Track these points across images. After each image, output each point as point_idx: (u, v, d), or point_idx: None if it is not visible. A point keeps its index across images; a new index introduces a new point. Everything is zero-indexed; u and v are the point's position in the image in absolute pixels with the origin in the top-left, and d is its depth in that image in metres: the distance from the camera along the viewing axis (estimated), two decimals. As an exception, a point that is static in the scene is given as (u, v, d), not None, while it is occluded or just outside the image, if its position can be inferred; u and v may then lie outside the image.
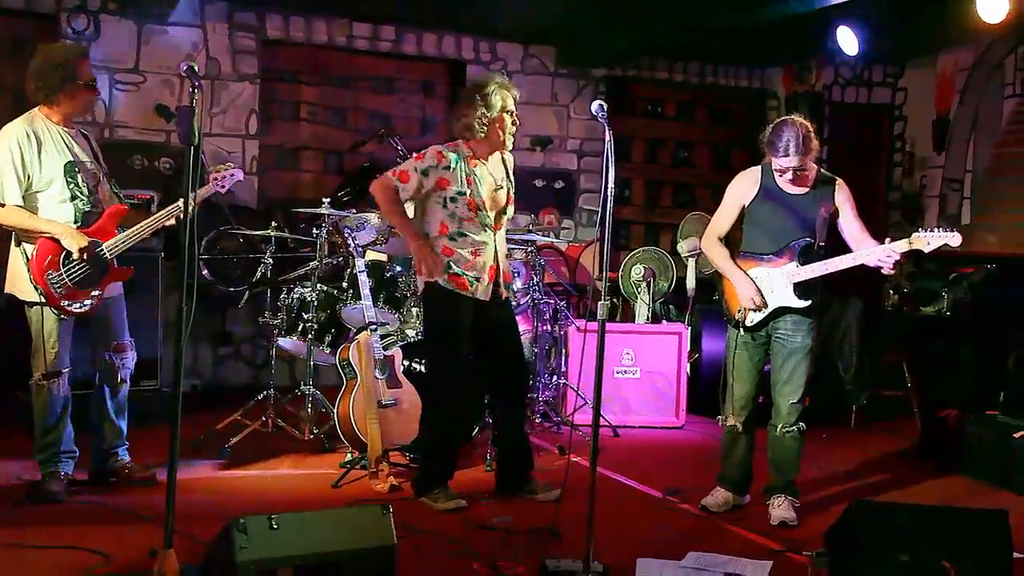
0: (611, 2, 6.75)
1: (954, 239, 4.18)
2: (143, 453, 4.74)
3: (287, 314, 5.53)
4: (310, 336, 5.44)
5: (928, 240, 4.20)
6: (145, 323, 5.62)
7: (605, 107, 3.67)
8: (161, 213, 4.48)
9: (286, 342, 5.63)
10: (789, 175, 4.35)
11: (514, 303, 5.61)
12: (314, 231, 5.70)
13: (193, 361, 7.10)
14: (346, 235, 5.25)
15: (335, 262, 5.79)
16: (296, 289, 5.57)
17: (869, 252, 4.28)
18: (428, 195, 4.43)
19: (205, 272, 5.90)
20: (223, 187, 4.65)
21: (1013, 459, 5.23)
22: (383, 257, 5.88)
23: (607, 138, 3.59)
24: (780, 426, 4.50)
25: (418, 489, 4.54)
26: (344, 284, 5.59)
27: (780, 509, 4.47)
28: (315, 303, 5.44)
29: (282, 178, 7.62)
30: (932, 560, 3.35)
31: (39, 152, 4.25)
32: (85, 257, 4.24)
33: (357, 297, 5.28)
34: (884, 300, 7.38)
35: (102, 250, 4.34)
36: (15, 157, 4.20)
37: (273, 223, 5.74)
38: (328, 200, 5.65)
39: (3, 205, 4.21)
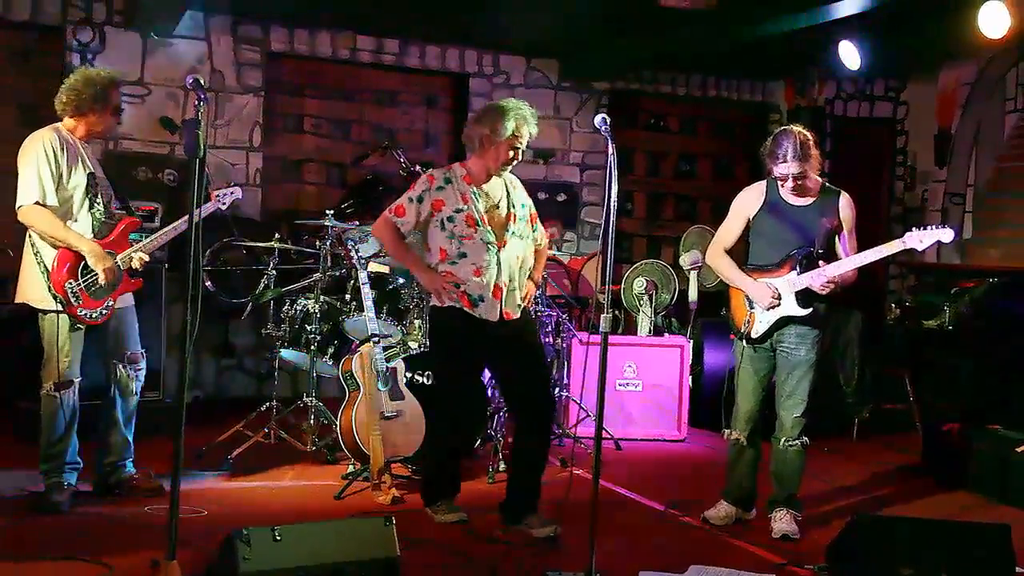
0: (614, 15, 6.78)
1: (946, 235, 4.19)
2: (146, 464, 4.75)
3: (290, 326, 5.54)
4: (313, 348, 5.45)
5: (921, 238, 4.22)
6: (148, 334, 5.62)
7: (609, 120, 3.68)
8: (167, 228, 4.60)
9: (289, 354, 5.64)
10: (790, 183, 4.36)
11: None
12: (317, 243, 5.72)
13: (196, 372, 7.11)
14: (349, 247, 5.27)
15: (338, 274, 5.80)
16: (299, 301, 5.57)
17: (863, 255, 4.29)
18: (427, 221, 4.40)
19: (208, 284, 5.91)
20: (224, 204, 4.90)
21: (1015, 474, 5.22)
22: (386, 269, 5.89)
23: (611, 151, 3.60)
24: (783, 439, 4.50)
25: (424, 498, 4.57)
26: (347, 296, 5.60)
27: (782, 522, 4.46)
28: (318, 315, 5.45)
29: (285, 190, 7.65)
30: (934, 575, 3.35)
31: (68, 159, 4.36)
32: (109, 279, 4.34)
33: (360, 309, 5.28)
34: (886, 313, 7.40)
35: (116, 262, 4.43)
36: (50, 158, 4.30)
37: (276, 235, 5.75)
38: (331, 212, 5.67)
39: (38, 203, 4.28)
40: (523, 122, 4.35)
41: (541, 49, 7.98)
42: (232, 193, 4.94)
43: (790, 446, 4.49)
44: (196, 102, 3.33)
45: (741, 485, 4.64)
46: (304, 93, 7.65)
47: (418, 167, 6.11)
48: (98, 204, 4.45)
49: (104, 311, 4.42)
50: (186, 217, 4.43)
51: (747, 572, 3.93)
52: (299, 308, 5.54)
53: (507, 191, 4.52)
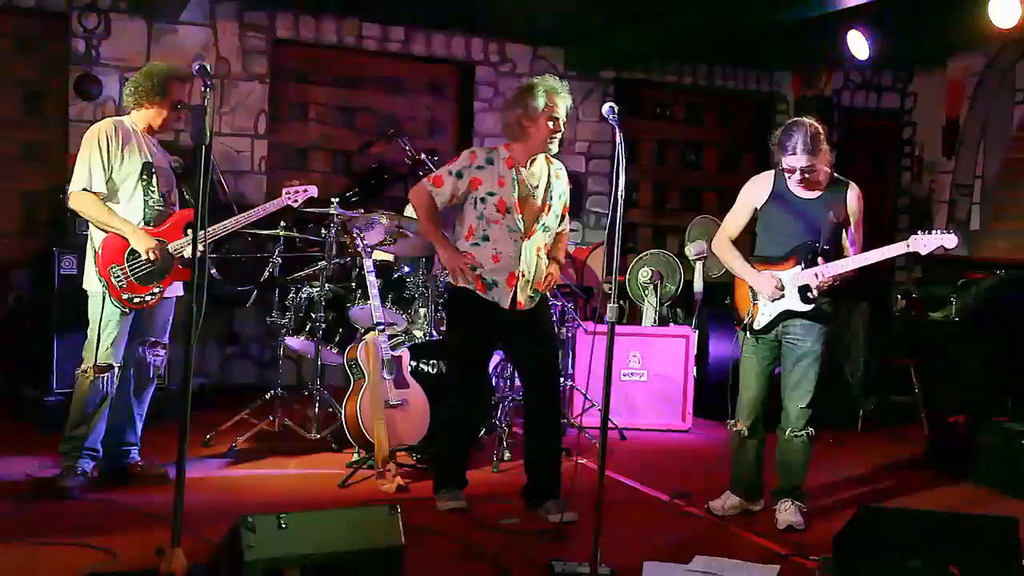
0: (620, 4, 6.75)
1: (950, 240, 4.17)
2: (150, 451, 4.75)
3: (295, 314, 5.53)
4: (318, 336, 5.44)
5: (925, 242, 4.20)
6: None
7: (616, 109, 3.66)
8: (228, 221, 4.65)
9: (294, 342, 5.64)
10: (797, 176, 4.33)
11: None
12: (322, 231, 5.71)
13: (200, 360, 7.10)
14: (355, 235, 5.26)
15: (343, 262, 5.79)
16: (304, 289, 5.57)
17: (866, 256, 4.27)
18: (465, 196, 4.41)
19: (213, 271, 5.90)
20: (295, 201, 5.00)
21: (1021, 466, 5.21)
22: (391, 257, 5.88)
23: (618, 140, 3.58)
24: (788, 430, 4.49)
25: (433, 484, 4.60)
26: (352, 284, 5.60)
27: (787, 513, 4.46)
28: (323, 303, 5.44)
29: (291, 178, 7.59)
30: (940, 567, 3.34)
31: (122, 148, 4.43)
32: (152, 257, 4.38)
33: (365, 297, 5.28)
34: (892, 305, 7.37)
35: (167, 249, 4.47)
36: (102, 147, 4.39)
37: (282, 223, 5.74)
38: (337, 200, 5.65)
39: (85, 190, 4.37)
40: (553, 92, 4.36)
41: (547, 37, 7.95)
42: (306, 191, 5.02)
43: (795, 437, 4.48)
44: (202, 89, 3.33)
45: (746, 476, 4.63)
46: (309, 80, 7.63)
47: (423, 155, 6.09)
48: (153, 192, 4.50)
49: (151, 297, 4.46)
50: (245, 214, 4.67)
51: (752, 563, 3.92)
52: (304, 296, 5.54)
53: (550, 180, 4.51)
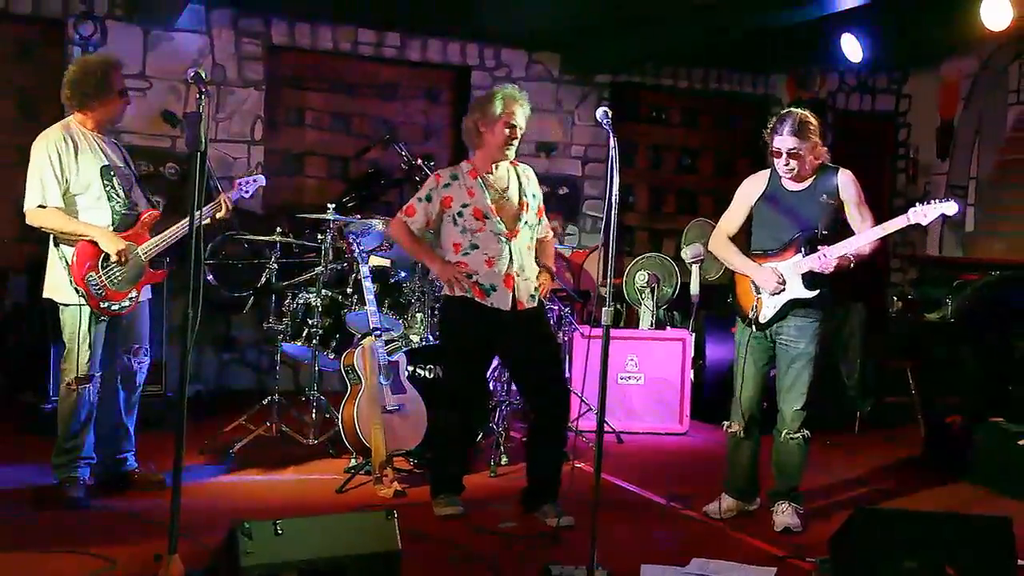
0: (616, 9, 6.76)
1: (949, 207, 4.18)
2: (147, 458, 4.76)
3: (292, 319, 5.54)
4: (315, 341, 5.45)
5: (925, 212, 4.22)
6: (150, 328, 5.62)
7: (610, 113, 3.69)
8: (183, 222, 4.53)
9: (290, 347, 5.64)
10: (783, 159, 4.34)
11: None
12: (319, 236, 5.72)
13: (197, 366, 7.10)
14: (351, 240, 5.27)
15: (340, 267, 5.80)
16: (301, 294, 5.58)
17: (866, 234, 4.29)
18: (440, 219, 4.46)
19: (210, 277, 5.91)
20: (247, 192, 4.87)
21: (1016, 466, 5.22)
22: (387, 263, 5.88)
23: (612, 144, 3.60)
24: (784, 432, 4.50)
25: (430, 489, 4.60)
26: (349, 289, 5.60)
27: (784, 515, 4.47)
28: (319, 308, 5.45)
29: (287, 184, 7.63)
30: (936, 567, 3.35)
31: (76, 156, 4.34)
32: (123, 260, 4.33)
33: (362, 302, 5.29)
34: (889, 306, 7.38)
35: (137, 253, 4.42)
36: (53, 160, 4.29)
37: (278, 228, 5.75)
38: (333, 205, 5.66)
39: (44, 207, 4.30)
40: (511, 100, 4.40)
41: (542, 42, 7.96)
42: (256, 181, 4.94)
43: (791, 439, 4.48)
44: (197, 96, 3.35)
45: (742, 477, 4.64)
46: (305, 86, 7.63)
47: (419, 160, 6.10)
48: (117, 196, 4.43)
49: (128, 303, 4.42)
50: (210, 206, 4.53)
51: (749, 565, 3.93)
52: (301, 302, 5.54)
53: (519, 182, 4.56)
